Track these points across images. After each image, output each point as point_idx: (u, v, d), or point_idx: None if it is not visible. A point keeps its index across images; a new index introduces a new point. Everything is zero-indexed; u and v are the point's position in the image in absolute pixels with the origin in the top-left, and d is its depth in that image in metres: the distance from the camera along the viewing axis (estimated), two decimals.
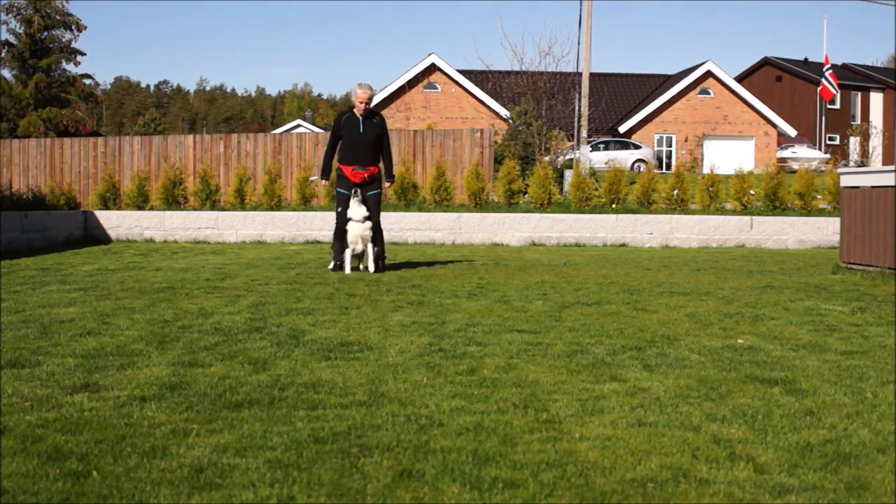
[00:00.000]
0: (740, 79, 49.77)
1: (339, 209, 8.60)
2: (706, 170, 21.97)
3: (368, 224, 8.47)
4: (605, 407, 3.37)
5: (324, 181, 9.13)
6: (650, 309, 6.09)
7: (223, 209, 14.93)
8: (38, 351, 4.36)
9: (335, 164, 8.95)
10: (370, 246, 8.53)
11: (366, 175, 8.64)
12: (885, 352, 4.56)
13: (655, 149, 40.69)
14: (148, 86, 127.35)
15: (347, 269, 8.49)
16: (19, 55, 40.08)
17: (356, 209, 8.40)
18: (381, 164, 8.90)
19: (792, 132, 42.61)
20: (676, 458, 2.76)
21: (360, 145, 8.60)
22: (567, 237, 13.54)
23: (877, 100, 52.32)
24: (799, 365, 4.20)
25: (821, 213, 14.46)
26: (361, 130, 8.62)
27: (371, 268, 8.52)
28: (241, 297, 6.58)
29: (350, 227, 8.41)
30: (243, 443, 2.87)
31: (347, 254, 8.51)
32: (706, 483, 2.53)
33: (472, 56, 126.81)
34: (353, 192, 8.54)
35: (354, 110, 8.68)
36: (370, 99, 8.73)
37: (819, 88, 43.75)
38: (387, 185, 8.98)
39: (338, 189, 8.76)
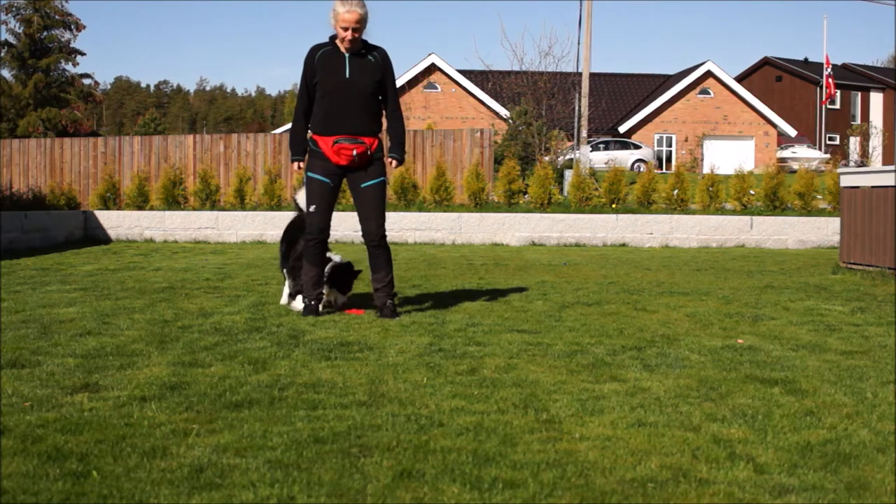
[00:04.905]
0: (740, 79, 49.80)
1: (311, 207, 5.51)
2: (706, 170, 21.96)
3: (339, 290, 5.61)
4: (605, 407, 3.36)
5: (295, 164, 5.65)
6: (650, 309, 6.09)
7: (223, 209, 14.93)
8: (38, 351, 4.35)
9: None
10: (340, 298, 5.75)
11: (356, 152, 5.42)
12: (885, 352, 4.56)
13: (655, 149, 40.72)
14: (148, 86, 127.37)
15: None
16: (19, 55, 40.13)
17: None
18: (382, 135, 5.65)
19: (792, 132, 42.64)
20: (676, 458, 2.76)
21: (346, 100, 5.41)
22: (567, 237, 13.54)
23: (877, 100, 52.34)
24: (799, 365, 4.20)
25: (821, 213, 14.45)
26: (349, 74, 5.41)
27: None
28: (241, 297, 6.57)
29: None
30: (243, 443, 2.87)
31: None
32: (706, 483, 2.53)
33: (472, 56, 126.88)
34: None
35: (338, 43, 5.45)
36: (362, 22, 5.34)
37: (824, 82, 43.73)
38: (392, 164, 5.64)
39: (308, 174, 5.54)
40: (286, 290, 6.11)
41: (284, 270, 6.16)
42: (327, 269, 5.64)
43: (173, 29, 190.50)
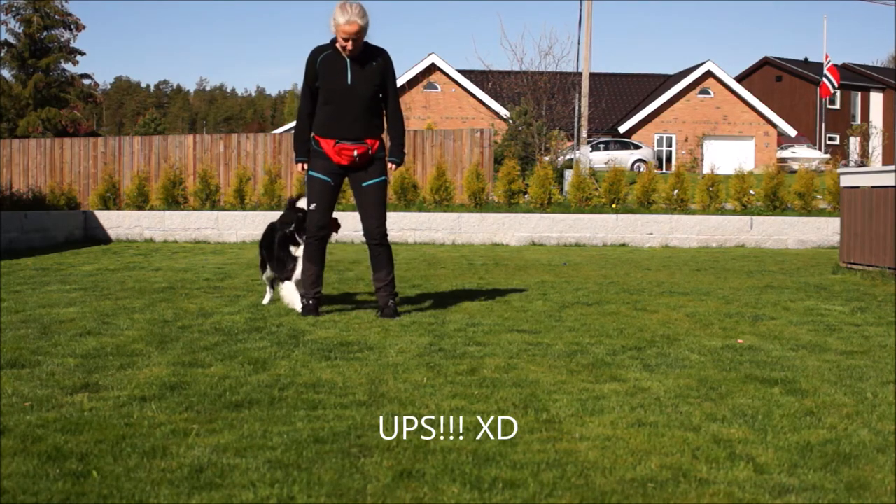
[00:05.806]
0: (740, 79, 49.80)
1: (311, 206, 5.57)
2: (706, 170, 21.96)
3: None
4: (605, 407, 3.36)
5: (299, 166, 5.67)
6: (650, 309, 6.09)
7: (223, 209, 14.93)
8: (38, 351, 4.36)
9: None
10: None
11: (357, 153, 5.48)
12: (885, 352, 4.56)
13: (655, 149, 40.74)
14: (148, 86, 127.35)
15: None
16: (19, 55, 40.12)
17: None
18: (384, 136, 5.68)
19: (792, 132, 42.64)
20: (676, 458, 2.76)
21: (348, 106, 5.44)
22: (567, 237, 13.54)
23: (877, 100, 52.33)
24: (799, 365, 4.20)
25: (821, 213, 14.45)
26: (350, 81, 5.42)
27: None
28: (241, 297, 6.57)
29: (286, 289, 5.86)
30: (243, 443, 2.87)
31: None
32: (706, 483, 2.53)
33: (472, 56, 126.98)
34: (293, 230, 5.74)
35: (338, 46, 5.42)
36: (362, 32, 5.32)
37: (820, 85, 43.75)
38: (392, 168, 5.72)
39: (310, 172, 5.59)
40: (268, 295, 6.27)
41: (265, 277, 6.29)
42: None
43: (173, 29, 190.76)
